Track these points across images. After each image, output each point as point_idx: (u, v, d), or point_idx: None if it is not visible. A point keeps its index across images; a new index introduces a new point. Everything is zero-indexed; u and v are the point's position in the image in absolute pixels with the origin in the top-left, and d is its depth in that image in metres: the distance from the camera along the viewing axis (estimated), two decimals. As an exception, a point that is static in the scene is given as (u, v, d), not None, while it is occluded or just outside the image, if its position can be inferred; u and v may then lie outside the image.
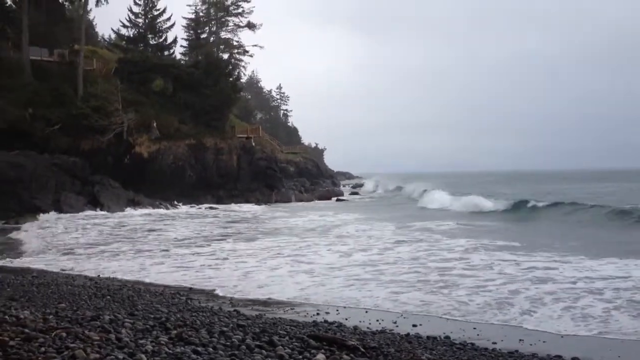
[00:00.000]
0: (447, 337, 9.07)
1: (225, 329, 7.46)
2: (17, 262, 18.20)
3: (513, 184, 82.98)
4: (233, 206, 45.01)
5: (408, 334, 9.18)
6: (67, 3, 52.97)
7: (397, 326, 9.87)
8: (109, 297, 11.39)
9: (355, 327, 9.45)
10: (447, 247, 19.85)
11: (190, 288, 13.74)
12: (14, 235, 26.60)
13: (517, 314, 10.82)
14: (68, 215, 34.98)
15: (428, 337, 9.01)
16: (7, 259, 18.72)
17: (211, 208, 42.92)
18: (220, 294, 13.05)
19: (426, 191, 53.97)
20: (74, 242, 23.31)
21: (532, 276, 14.27)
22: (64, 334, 5.83)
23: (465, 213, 36.29)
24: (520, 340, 9.16)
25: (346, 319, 10.24)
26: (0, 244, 23.63)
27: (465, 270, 15.40)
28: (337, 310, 11.27)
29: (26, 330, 5.79)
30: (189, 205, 43.98)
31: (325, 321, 9.92)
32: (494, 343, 8.88)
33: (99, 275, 15.33)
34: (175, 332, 6.80)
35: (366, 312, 11.16)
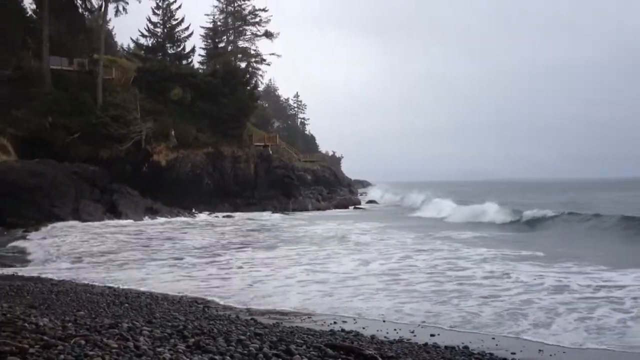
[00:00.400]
0: (466, 347, 8.99)
1: (242, 337, 7.47)
2: (11, 271, 17.95)
3: (536, 193, 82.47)
4: (252, 214, 45.07)
5: (426, 344, 9.11)
6: (86, 13, 53.57)
7: (414, 335, 9.81)
8: (127, 305, 11.45)
9: (373, 337, 9.41)
10: (465, 257, 19.76)
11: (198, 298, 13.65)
12: (19, 243, 26.38)
13: (535, 324, 10.70)
14: (84, 224, 35.14)
15: (446, 347, 8.93)
16: (6, 268, 18.63)
17: (229, 216, 43.06)
18: (221, 304, 12.94)
19: (425, 201, 53.66)
20: (86, 251, 23.33)
21: (548, 285, 14.18)
22: (83, 342, 5.87)
23: (474, 222, 35.75)
24: (539, 350, 9.07)
25: (363, 328, 10.20)
26: (9, 251, 23.87)
27: (483, 280, 15.29)
28: (355, 319, 11.23)
29: (45, 338, 5.84)
30: (207, 213, 44.12)
31: (343, 330, 9.89)
32: (513, 353, 8.80)
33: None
34: (192, 340, 6.83)
35: (383, 321, 11.09)
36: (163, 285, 15.19)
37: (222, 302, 13.10)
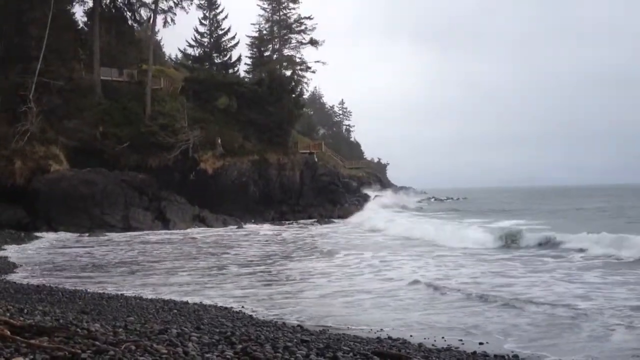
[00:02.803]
0: (515, 356, 8.82)
1: (289, 344, 7.48)
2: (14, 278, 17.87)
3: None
4: (303, 222, 45.18)
5: (475, 352, 8.96)
6: (135, 25, 54.65)
7: (462, 344, 9.65)
8: (175, 311, 11.60)
9: (420, 345, 9.30)
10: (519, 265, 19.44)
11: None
12: (70, 250, 27.12)
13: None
14: (133, 233, 35.79)
15: (495, 356, 8.77)
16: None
17: (278, 223, 43.39)
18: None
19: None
20: (130, 259, 23.80)
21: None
22: (133, 347, 5.96)
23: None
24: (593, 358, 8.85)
25: (411, 336, 10.09)
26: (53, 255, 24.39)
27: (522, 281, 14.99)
28: (402, 326, 11.13)
29: (97, 343, 5.95)
30: (253, 222, 44.16)
31: (389, 337, 9.81)
32: (565, 363, 8.61)
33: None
34: (240, 346, 6.86)
35: (430, 328, 10.97)
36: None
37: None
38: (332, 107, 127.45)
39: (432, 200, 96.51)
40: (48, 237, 33.02)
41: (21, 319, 7.50)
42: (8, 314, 8.03)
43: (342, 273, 18.63)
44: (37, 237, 32.68)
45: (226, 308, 12.59)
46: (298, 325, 10.53)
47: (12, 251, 26.20)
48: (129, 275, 18.94)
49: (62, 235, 34.09)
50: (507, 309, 12.44)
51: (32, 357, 5.31)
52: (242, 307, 12.93)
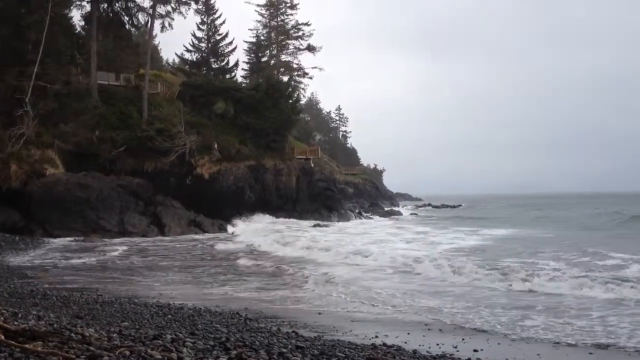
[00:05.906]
0: (509, 364, 8.84)
1: (284, 350, 7.48)
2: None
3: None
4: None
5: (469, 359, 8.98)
6: (133, 29, 54.67)
7: (457, 351, 9.67)
8: (170, 316, 11.58)
9: (415, 351, 9.30)
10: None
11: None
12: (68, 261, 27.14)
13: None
14: (138, 238, 35.66)
15: (490, 363, 8.80)
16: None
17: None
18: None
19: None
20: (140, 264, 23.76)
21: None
22: (128, 353, 5.95)
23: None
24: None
25: (405, 343, 10.10)
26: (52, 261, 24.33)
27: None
28: (397, 334, 11.13)
29: (91, 348, 5.94)
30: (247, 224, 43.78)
31: (384, 344, 9.80)
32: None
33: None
34: (235, 352, 6.86)
35: (423, 336, 10.97)
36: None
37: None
38: (329, 113, 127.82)
39: (429, 207, 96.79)
40: (56, 242, 32.16)
41: (15, 323, 7.48)
42: (2, 318, 8.00)
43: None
44: (42, 242, 31.90)
45: (221, 313, 12.57)
46: (293, 332, 10.52)
47: (28, 257, 25.33)
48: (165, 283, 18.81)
49: (62, 240, 33.31)
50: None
51: (25, 361, 5.30)
52: (237, 313, 12.92)
